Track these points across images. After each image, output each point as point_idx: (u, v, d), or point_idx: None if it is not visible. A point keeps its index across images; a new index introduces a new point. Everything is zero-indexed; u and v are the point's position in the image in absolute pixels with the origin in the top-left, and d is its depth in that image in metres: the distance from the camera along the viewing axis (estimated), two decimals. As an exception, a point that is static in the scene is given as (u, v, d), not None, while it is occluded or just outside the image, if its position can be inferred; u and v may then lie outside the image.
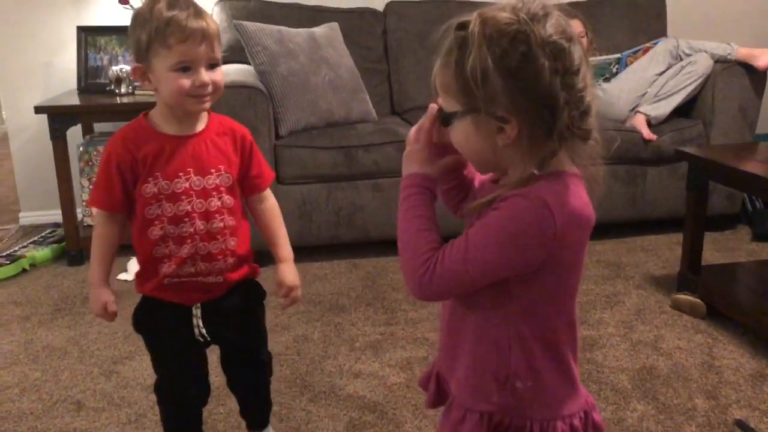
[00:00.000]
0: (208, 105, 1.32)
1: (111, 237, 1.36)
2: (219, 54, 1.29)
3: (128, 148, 1.30)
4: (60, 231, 3.08)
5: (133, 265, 2.78)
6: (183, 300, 1.39)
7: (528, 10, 0.84)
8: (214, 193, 1.34)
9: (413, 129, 1.00)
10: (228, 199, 1.36)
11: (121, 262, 2.85)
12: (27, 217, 3.42)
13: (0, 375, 2.05)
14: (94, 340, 2.24)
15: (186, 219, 1.32)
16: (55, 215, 3.14)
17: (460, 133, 0.91)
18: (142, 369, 2.05)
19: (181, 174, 1.31)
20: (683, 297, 2.37)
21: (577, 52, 0.85)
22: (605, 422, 1.75)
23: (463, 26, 0.86)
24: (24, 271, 2.82)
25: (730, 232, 3.15)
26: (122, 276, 2.74)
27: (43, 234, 3.13)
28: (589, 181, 0.93)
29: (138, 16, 1.28)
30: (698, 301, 2.33)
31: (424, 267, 0.90)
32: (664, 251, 2.92)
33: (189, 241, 1.33)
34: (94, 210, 1.37)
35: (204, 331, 1.41)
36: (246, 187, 1.42)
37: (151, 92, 1.33)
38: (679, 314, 2.36)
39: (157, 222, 1.32)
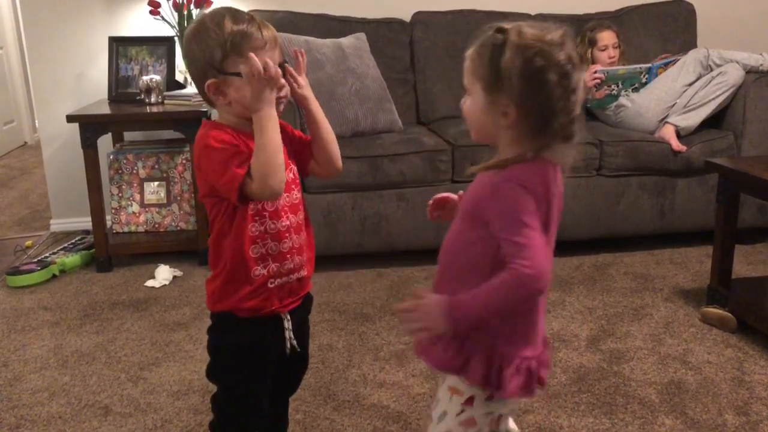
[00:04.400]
0: (282, 108, 1.32)
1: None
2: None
3: (234, 137, 1.27)
4: (90, 238, 3.13)
5: (162, 272, 2.82)
6: (281, 305, 1.36)
7: (551, 36, 1.09)
8: (293, 186, 1.36)
9: None
10: (298, 191, 1.38)
11: (149, 269, 2.89)
12: (58, 224, 3.48)
13: (30, 379, 2.08)
14: (122, 346, 2.27)
15: (283, 213, 1.33)
16: (85, 222, 3.19)
17: (475, 104, 1.14)
18: (168, 375, 2.07)
19: None
20: (713, 310, 2.34)
21: (576, 77, 1.10)
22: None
23: (501, 30, 1.10)
24: (54, 276, 2.87)
25: (761, 245, 3.10)
26: (150, 282, 2.77)
27: (73, 241, 3.18)
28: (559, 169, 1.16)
29: (203, 32, 1.27)
30: (728, 314, 2.29)
31: (518, 277, 1.05)
32: (694, 264, 2.88)
33: (287, 235, 1.34)
34: (248, 181, 1.23)
35: (295, 342, 1.40)
36: (306, 155, 1.42)
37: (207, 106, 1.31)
38: (709, 328, 2.32)
39: (257, 218, 1.30)
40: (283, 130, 1.38)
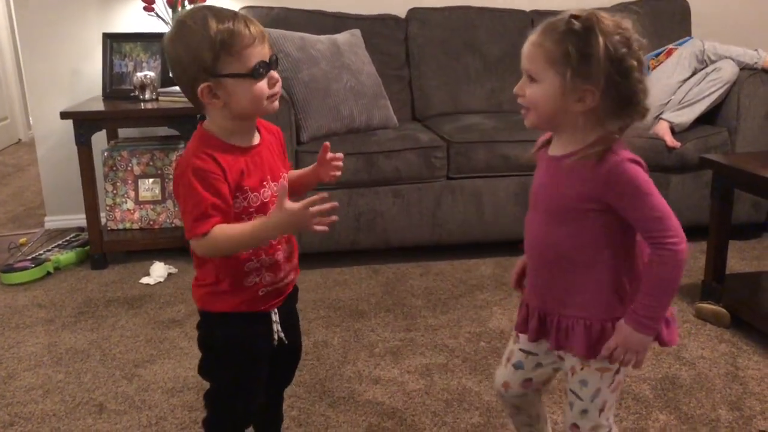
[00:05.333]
0: (276, 105, 1.29)
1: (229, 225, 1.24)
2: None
3: (216, 162, 1.23)
4: (84, 235, 3.12)
5: (157, 269, 2.81)
6: (269, 306, 1.37)
7: (626, 23, 1.14)
8: None
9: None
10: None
11: (144, 266, 2.88)
12: (52, 221, 3.47)
13: (24, 376, 2.07)
14: (116, 344, 2.26)
15: None
16: (80, 219, 3.19)
17: (546, 91, 1.15)
18: (163, 372, 2.07)
19: (264, 183, 1.30)
20: (707, 306, 2.34)
21: (645, 60, 1.16)
22: (627, 431, 1.74)
23: (577, 17, 1.13)
24: (48, 274, 2.86)
25: (755, 240, 3.11)
26: (145, 280, 2.77)
27: (67, 238, 3.17)
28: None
29: (187, 34, 1.21)
30: (722, 310, 2.30)
31: (674, 252, 1.15)
32: (688, 259, 2.88)
33: (279, 247, 1.33)
34: (200, 239, 1.22)
35: (282, 335, 1.40)
36: None
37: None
38: (703, 323, 2.32)
39: None
40: (277, 138, 1.39)
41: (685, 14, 3.56)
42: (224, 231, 1.22)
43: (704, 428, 1.76)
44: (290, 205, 1.19)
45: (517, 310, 1.40)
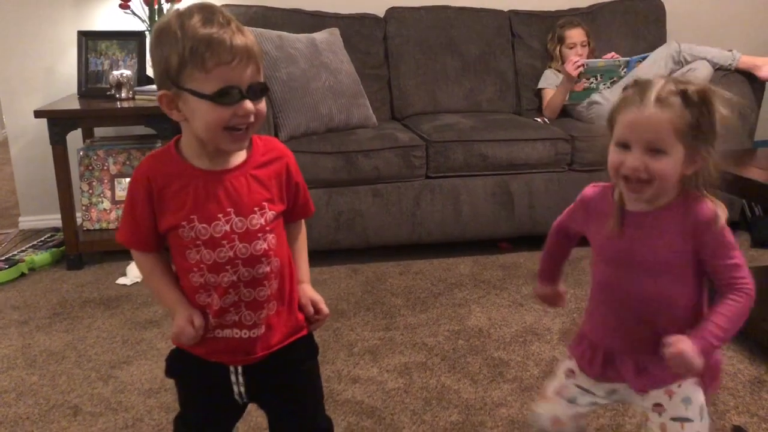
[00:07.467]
0: (245, 143, 1.13)
1: (160, 266, 1.20)
2: (262, 78, 1.09)
3: (154, 178, 1.13)
4: (59, 235, 3.09)
5: (133, 270, 2.79)
6: (222, 360, 1.20)
7: (723, 92, 1.21)
8: (259, 234, 1.14)
9: None
10: (273, 238, 1.16)
11: (120, 267, 2.85)
12: (27, 222, 3.43)
13: (-2, 379, 2.05)
14: (92, 345, 2.24)
15: (228, 267, 1.13)
16: (55, 219, 3.15)
17: (676, 162, 1.17)
18: (140, 374, 2.05)
19: (220, 215, 1.12)
20: (683, 303, 2.36)
21: None
22: (604, 428, 1.75)
23: (690, 89, 1.16)
24: (23, 275, 2.82)
25: (729, 238, 3.15)
26: (121, 280, 2.74)
27: (42, 238, 3.13)
28: None
29: (163, 32, 1.06)
30: (698, 307, 2.32)
31: (748, 293, 1.21)
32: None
33: (232, 290, 1.15)
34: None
35: (243, 390, 1.22)
36: (288, 214, 1.23)
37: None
38: (679, 320, 2.35)
39: (196, 268, 1.14)
40: (281, 163, 1.20)
41: (659, 14, 3.60)
42: (145, 267, 1.20)
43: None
44: (187, 316, 1.15)
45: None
